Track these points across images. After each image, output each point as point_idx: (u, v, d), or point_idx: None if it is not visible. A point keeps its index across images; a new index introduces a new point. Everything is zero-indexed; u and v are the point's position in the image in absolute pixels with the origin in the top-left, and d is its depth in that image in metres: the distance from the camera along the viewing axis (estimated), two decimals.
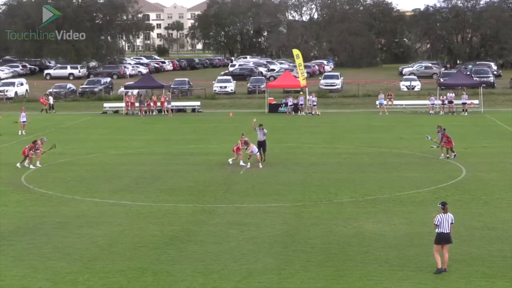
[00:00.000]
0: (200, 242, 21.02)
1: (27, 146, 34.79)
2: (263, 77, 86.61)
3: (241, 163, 33.80)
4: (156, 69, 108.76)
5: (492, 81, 78.15)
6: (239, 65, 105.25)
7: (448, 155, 35.28)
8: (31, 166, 34.10)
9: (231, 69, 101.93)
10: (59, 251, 20.19)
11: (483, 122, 52.46)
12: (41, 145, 35.09)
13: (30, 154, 34.35)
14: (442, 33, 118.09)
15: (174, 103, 62.75)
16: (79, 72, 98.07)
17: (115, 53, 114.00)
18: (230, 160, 34.39)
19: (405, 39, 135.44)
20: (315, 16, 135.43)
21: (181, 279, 17.77)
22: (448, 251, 18.11)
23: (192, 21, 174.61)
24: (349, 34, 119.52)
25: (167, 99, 61.60)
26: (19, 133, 47.06)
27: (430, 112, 58.09)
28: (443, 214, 18.09)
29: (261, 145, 35.25)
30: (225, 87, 77.00)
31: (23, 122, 47.94)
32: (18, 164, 34.19)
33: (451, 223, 18.11)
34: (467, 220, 23.03)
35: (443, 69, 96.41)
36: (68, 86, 76.97)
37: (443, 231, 17.97)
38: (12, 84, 77.14)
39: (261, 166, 33.40)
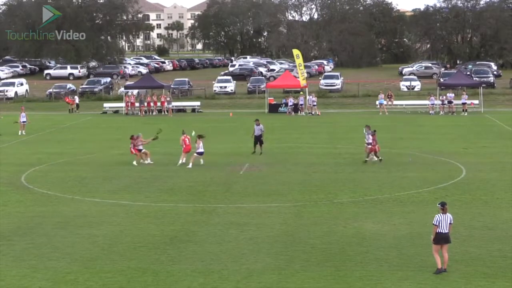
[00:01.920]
0: (200, 242, 21.02)
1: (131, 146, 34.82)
2: (263, 77, 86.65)
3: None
4: (156, 69, 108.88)
5: (492, 81, 78.17)
6: (239, 65, 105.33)
7: (367, 159, 34.16)
8: (146, 161, 34.59)
9: (231, 69, 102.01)
10: (59, 251, 20.19)
11: (483, 122, 52.45)
12: (141, 139, 35.05)
13: (138, 152, 34.47)
14: (442, 33, 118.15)
15: (174, 103, 62.71)
16: (79, 72, 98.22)
17: (115, 53, 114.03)
18: (180, 162, 34.21)
19: (405, 39, 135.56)
20: (315, 16, 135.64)
21: (181, 279, 17.77)
22: (447, 251, 18.11)
23: (192, 21, 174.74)
24: (349, 34, 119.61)
25: (168, 99, 61.63)
26: (19, 133, 47.05)
27: (430, 112, 58.09)
28: (442, 214, 18.08)
29: (257, 139, 37.18)
30: (225, 87, 77.03)
31: (23, 122, 47.91)
32: (134, 162, 34.37)
33: (450, 223, 18.10)
34: (467, 220, 23.02)
35: (443, 69, 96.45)
36: (68, 86, 77.00)
37: (441, 231, 17.97)
38: (12, 84, 77.22)
39: (190, 166, 33.34)
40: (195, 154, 34.02)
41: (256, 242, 20.95)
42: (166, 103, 60.64)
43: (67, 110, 63.11)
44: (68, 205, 26.22)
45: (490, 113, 57.10)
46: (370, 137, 34.10)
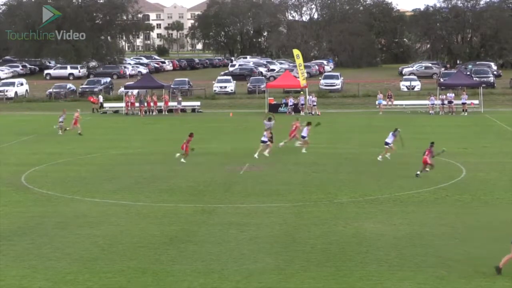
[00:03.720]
0: (200, 242, 21.01)
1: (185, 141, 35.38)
2: (263, 77, 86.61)
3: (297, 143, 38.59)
4: (156, 69, 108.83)
5: (492, 81, 78.13)
6: (239, 65, 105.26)
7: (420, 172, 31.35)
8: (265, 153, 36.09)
9: (231, 69, 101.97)
10: (59, 251, 20.19)
11: (483, 122, 52.44)
12: (270, 132, 37.08)
13: (189, 150, 35.13)
14: (442, 33, 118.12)
15: (173, 103, 62.51)
16: (79, 72, 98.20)
17: (115, 53, 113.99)
18: (280, 144, 38.10)
19: (405, 39, 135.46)
20: (315, 16, 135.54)
21: (181, 279, 17.77)
22: None
23: (192, 21, 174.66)
24: (349, 34, 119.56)
25: (179, 99, 62.22)
26: (59, 133, 46.73)
27: (430, 112, 58.08)
28: None
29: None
30: (225, 87, 77.01)
31: (61, 122, 47.45)
32: (182, 159, 34.98)
33: None
34: (467, 220, 23.02)
35: (443, 69, 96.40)
36: (68, 86, 76.97)
37: None
38: (12, 84, 77.18)
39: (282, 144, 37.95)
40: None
41: (256, 242, 20.95)
42: (176, 103, 61.21)
43: (91, 110, 62.64)
44: (68, 205, 26.22)
45: (490, 113, 57.08)
46: (393, 138, 34.66)
